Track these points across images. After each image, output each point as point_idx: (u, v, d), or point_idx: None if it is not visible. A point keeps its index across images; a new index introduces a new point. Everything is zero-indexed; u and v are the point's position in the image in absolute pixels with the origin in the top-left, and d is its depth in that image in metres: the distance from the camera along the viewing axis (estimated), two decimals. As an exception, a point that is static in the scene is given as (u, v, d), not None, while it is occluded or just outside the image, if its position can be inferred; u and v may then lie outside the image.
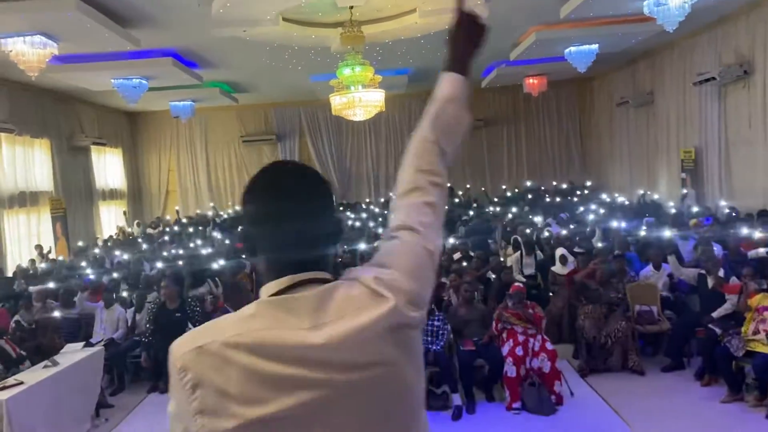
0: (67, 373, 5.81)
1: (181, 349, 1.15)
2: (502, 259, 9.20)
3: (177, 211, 18.25)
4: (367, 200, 18.52)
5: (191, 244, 13.34)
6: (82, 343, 6.62)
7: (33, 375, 5.60)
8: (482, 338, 6.09)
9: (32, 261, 12.12)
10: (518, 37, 12.00)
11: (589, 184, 17.82)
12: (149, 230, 16.86)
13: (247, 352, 1.10)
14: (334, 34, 9.26)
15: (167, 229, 16.35)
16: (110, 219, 16.90)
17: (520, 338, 5.84)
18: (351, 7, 8.06)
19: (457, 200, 16.91)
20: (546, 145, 19.19)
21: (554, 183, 18.35)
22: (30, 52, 8.14)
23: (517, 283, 6.50)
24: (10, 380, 5.37)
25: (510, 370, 5.70)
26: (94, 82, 11.90)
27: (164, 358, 5.04)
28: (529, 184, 18.42)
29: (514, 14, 9.72)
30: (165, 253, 11.83)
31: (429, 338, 6.00)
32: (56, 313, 7.00)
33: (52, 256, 12.84)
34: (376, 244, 9.93)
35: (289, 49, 11.31)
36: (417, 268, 1.28)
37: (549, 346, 5.85)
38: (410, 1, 8.25)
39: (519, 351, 5.76)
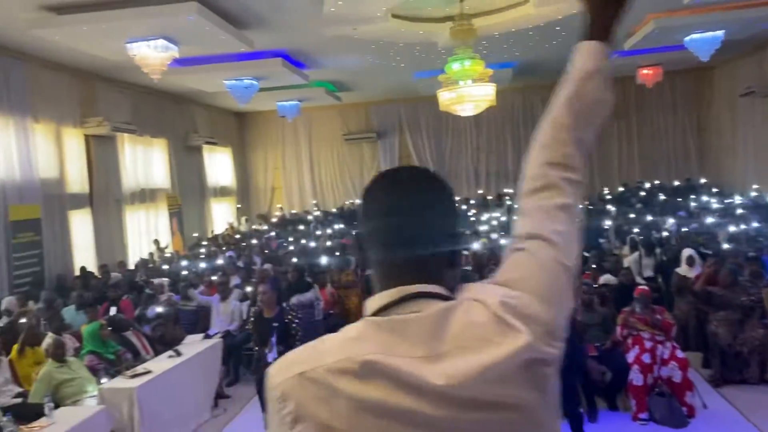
0: (190, 364, 6.02)
1: (280, 375, 1.01)
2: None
3: (281, 209, 18.75)
4: (467, 198, 18.22)
5: (296, 241, 13.66)
6: (201, 335, 6.86)
7: (159, 364, 5.84)
8: (604, 344, 5.75)
9: (150, 255, 12.83)
10: (634, 26, 11.38)
11: (703, 181, 16.69)
12: (255, 226, 17.46)
13: (355, 381, 0.95)
14: (442, 29, 9.13)
15: (271, 226, 16.86)
16: (220, 215, 17.59)
17: (647, 345, 5.47)
18: (461, 0, 7.89)
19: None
20: (660, 140, 18.16)
21: (669, 180, 17.34)
22: (153, 55, 8.54)
23: (641, 286, 6.10)
24: (139, 368, 5.63)
25: (636, 378, 5.35)
26: (208, 83, 12.38)
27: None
28: (641, 180, 17.49)
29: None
30: (267, 251, 12.15)
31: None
32: (178, 306, 7.29)
33: (168, 250, 13.53)
34: (475, 245, 9.73)
35: (394, 46, 11.30)
36: (552, 289, 1.07)
37: (680, 354, 5.44)
38: (523, -8, 7.99)
39: (646, 358, 5.39)
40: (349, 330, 1.03)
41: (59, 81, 10.87)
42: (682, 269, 7.45)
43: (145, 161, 13.61)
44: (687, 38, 11.03)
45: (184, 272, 10.19)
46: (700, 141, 18.10)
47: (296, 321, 5.55)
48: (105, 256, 11.71)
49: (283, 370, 1.01)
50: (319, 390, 0.97)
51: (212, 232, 16.28)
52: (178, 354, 6.07)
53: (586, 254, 8.98)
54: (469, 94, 7.89)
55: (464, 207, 16.28)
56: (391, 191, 1.11)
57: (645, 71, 14.60)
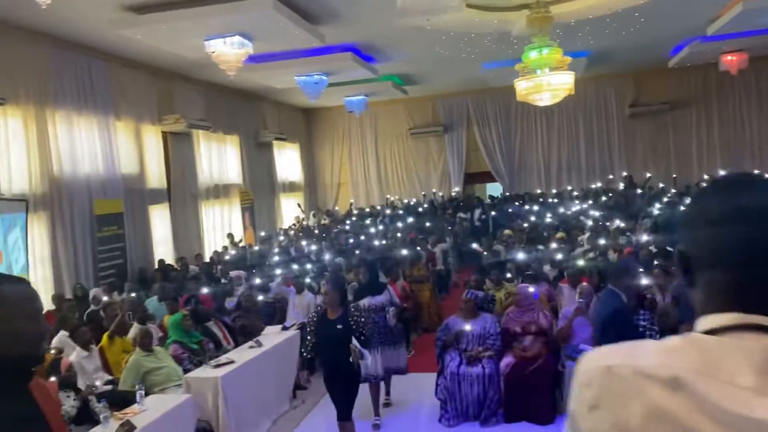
0: (271, 354, 6.10)
1: (590, 362, 0.97)
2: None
3: (351, 204, 18.82)
4: (538, 191, 17.81)
5: (364, 236, 13.70)
6: (280, 326, 6.94)
7: (241, 354, 5.94)
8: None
9: (225, 248, 13.11)
10: (718, 11, 10.82)
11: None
12: (323, 221, 17.61)
13: (661, 388, 0.88)
14: (516, 18, 8.92)
15: (341, 220, 16.97)
16: (289, 210, 17.85)
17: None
18: (538, -13, 7.69)
19: (639, 191, 15.73)
20: (743, 130, 17.23)
21: (755, 171, 16.44)
22: (229, 52, 8.70)
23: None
24: (222, 358, 5.73)
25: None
26: (278, 79, 12.55)
27: (332, 374, 5.21)
28: (722, 172, 16.66)
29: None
30: (339, 244, 12.22)
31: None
32: (259, 297, 7.40)
33: (241, 244, 13.80)
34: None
35: (465, 37, 11.14)
36: None
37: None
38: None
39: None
40: (672, 340, 0.95)
41: (138, 79, 11.24)
42: None
43: (218, 157, 13.94)
44: (778, 20, 10.41)
45: (260, 265, 10.36)
46: (787, 130, 17.09)
47: (362, 324, 5.12)
48: (182, 250, 12.07)
49: (595, 359, 0.98)
50: (622, 386, 0.92)
51: (281, 226, 16.53)
52: (259, 345, 6.15)
53: (669, 249, 8.62)
54: (547, 83, 7.66)
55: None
56: (747, 196, 0.94)
57: (729, 57, 13.89)
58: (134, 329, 6.37)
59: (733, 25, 10.80)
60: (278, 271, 9.30)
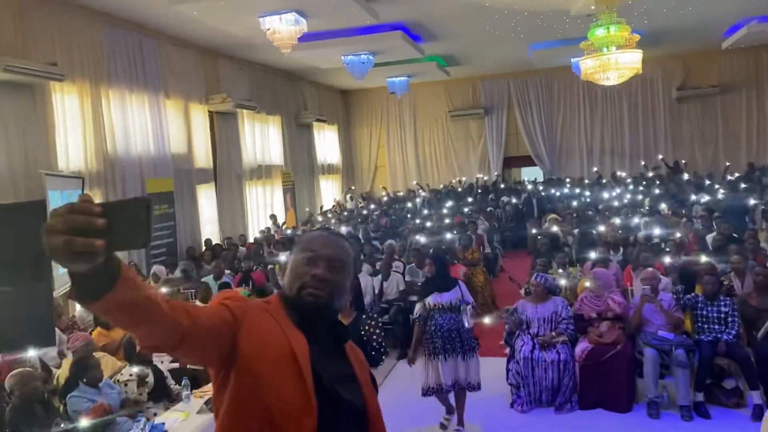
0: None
1: None
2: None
3: (384, 188, 18.69)
4: (579, 177, 17.46)
5: (402, 219, 13.58)
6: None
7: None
8: (784, 330, 5.26)
9: (267, 229, 13.08)
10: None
11: None
12: (361, 204, 17.51)
13: None
14: (578, -6, 8.64)
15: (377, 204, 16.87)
16: (328, 192, 17.78)
17: (840, 333, 4.94)
18: (606, -38, 7.41)
19: (686, 177, 15.34)
20: (796, 115, 16.69)
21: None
22: (284, 29, 8.58)
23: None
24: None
25: (827, 369, 4.85)
26: (324, 59, 12.41)
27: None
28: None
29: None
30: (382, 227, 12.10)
31: (717, 326, 5.32)
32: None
33: (284, 226, 13.77)
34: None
35: (518, 15, 10.89)
36: None
37: None
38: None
39: (840, 348, 4.87)
40: None
41: (187, 58, 11.19)
42: None
43: (261, 138, 13.87)
44: None
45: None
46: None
47: (376, 336, 4.72)
48: (227, 230, 12.07)
49: None
50: None
51: (321, 208, 16.47)
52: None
53: (735, 235, 8.36)
54: (615, 61, 7.40)
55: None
56: None
57: (787, 38, 13.39)
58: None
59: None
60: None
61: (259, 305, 1.64)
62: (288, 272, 1.72)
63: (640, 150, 17.66)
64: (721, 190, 12.78)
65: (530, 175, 18.66)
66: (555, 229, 9.22)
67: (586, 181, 16.49)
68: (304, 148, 16.35)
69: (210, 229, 11.63)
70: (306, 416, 1.49)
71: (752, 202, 10.50)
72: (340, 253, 1.71)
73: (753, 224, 9.79)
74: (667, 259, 6.62)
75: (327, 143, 17.93)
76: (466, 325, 5.10)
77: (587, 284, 5.66)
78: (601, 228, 9.17)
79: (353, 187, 18.92)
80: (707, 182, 14.39)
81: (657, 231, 8.89)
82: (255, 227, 13.17)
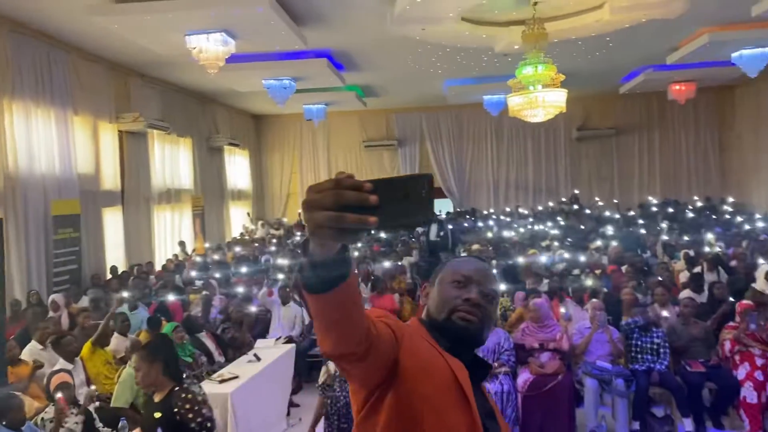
0: (271, 369, 5.71)
1: None
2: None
3: (299, 214, 18.40)
4: (487, 210, 18.01)
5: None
6: (273, 339, 6.55)
7: (242, 369, 5.52)
8: (709, 360, 5.55)
9: (176, 256, 12.44)
10: (680, 40, 11.30)
11: (731, 200, 16.63)
12: (273, 231, 17.12)
13: None
14: (503, 33, 8.96)
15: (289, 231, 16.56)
16: (237, 219, 17.24)
17: (758, 362, 5.27)
18: (535, 4, 7.73)
19: (588, 212, 16.20)
20: (681, 157, 18.15)
21: (690, 198, 17.29)
22: (211, 49, 8.27)
23: (745, 301, 5.90)
24: (226, 373, 5.31)
25: (750, 395, 5.14)
26: (245, 82, 12.10)
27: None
28: (661, 198, 17.42)
29: (693, 12, 9.00)
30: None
31: (650, 356, 5.53)
32: (251, 309, 6.96)
33: (194, 254, 13.15)
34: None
35: (439, 51, 11.13)
36: None
37: (795, 372, 5.25)
38: (595, -2, 7.84)
39: (759, 376, 5.19)
40: None
41: (97, 73, 10.56)
42: (760, 284, 7.27)
43: (172, 160, 13.26)
44: (735, 54, 10.96)
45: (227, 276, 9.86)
46: (721, 160, 18.09)
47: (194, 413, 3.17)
48: (134, 256, 11.36)
49: None
50: None
51: (230, 236, 15.92)
52: (258, 359, 5.76)
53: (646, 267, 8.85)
54: (542, 99, 7.69)
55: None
56: None
57: (677, 87, 14.56)
58: (121, 339, 5.84)
59: (694, 55, 11.28)
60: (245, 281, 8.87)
61: (410, 327, 1.53)
62: (434, 296, 1.61)
63: (543, 185, 18.51)
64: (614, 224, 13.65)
65: (442, 207, 18.96)
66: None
67: (494, 215, 17.01)
68: (215, 173, 15.81)
69: (116, 255, 10.88)
70: None
71: (650, 236, 11.20)
72: (492, 282, 1.62)
73: (648, 255, 10.40)
74: (590, 290, 6.79)
75: (238, 168, 17.44)
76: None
77: (531, 315, 5.72)
78: (521, 260, 9.41)
79: (249, 212, 18.38)
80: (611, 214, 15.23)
81: (575, 261, 9.27)
82: (162, 254, 12.49)
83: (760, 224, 12.86)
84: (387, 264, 10.01)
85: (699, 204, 16.80)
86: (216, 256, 12.00)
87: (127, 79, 11.60)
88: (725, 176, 18.04)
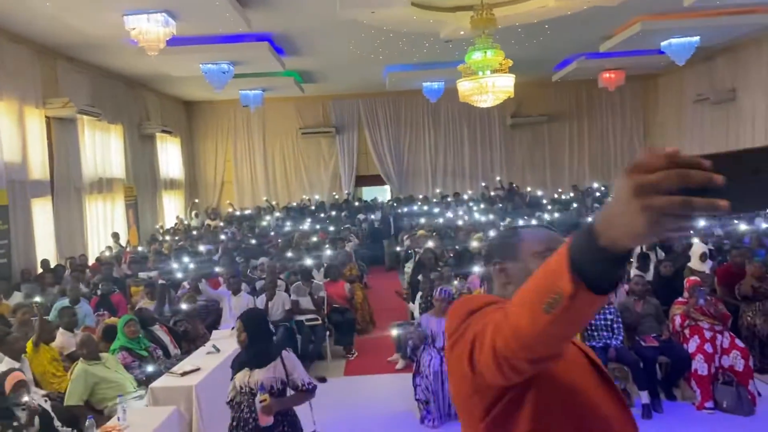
0: (229, 360, 5.55)
1: None
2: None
3: (230, 204, 18.00)
4: (422, 195, 18.19)
5: (258, 236, 13.13)
6: (228, 330, 6.37)
7: (203, 361, 5.34)
8: (661, 334, 5.79)
9: (109, 248, 11.92)
10: (614, 29, 11.69)
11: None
12: (208, 221, 16.69)
13: None
14: (450, 19, 9.00)
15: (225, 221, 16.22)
16: (170, 208, 16.68)
17: (707, 335, 5.54)
18: (483, -11, 7.80)
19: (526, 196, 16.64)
20: (609, 143, 18.87)
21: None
22: (152, 30, 7.91)
23: (693, 278, 6.18)
24: (187, 365, 5.12)
25: (701, 367, 5.41)
26: (181, 66, 11.67)
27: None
28: (593, 183, 18.08)
29: (629, 1, 9.29)
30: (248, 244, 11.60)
31: (606, 333, 5.71)
32: (198, 300, 6.73)
33: (126, 245, 12.65)
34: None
35: (382, 36, 11.06)
36: None
37: (739, 343, 5.55)
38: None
39: (708, 348, 5.46)
40: None
41: (22, 56, 9.90)
42: (695, 264, 7.66)
43: (103, 148, 12.65)
44: (665, 42, 11.44)
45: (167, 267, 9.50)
46: (646, 145, 18.88)
47: None
48: (65, 249, 10.79)
49: None
50: None
51: (162, 227, 15.39)
52: (217, 350, 5.60)
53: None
54: (492, 84, 7.77)
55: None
56: None
57: (608, 75, 15.08)
58: (68, 335, 5.52)
59: (626, 44, 11.70)
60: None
61: None
62: (517, 272, 1.46)
63: (479, 171, 18.82)
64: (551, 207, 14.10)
65: (371, 194, 18.94)
66: (430, 244, 9.42)
67: (435, 200, 17.19)
68: (147, 161, 15.21)
69: (46, 248, 10.30)
70: (630, 427, 1.34)
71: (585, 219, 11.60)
72: None
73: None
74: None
75: (170, 156, 16.84)
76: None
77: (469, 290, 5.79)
78: (474, 243, 9.53)
79: (197, 201, 17.97)
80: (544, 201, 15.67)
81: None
82: (95, 246, 11.93)
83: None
84: (330, 252, 9.91)
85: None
86: (152, 247, 11.56)
87: (55, 63, 10.95)
88: (650, 161, 18.83)
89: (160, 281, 7.49)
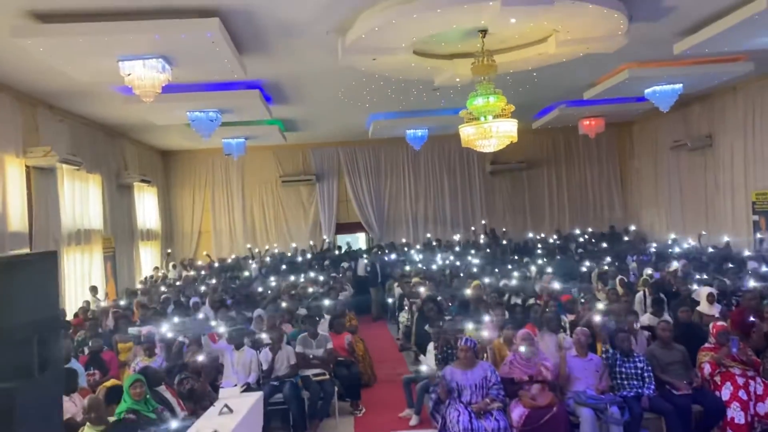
0: (246, 420, 5.18)
1: None
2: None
3: (207, 255, 17.54)
4: (404, 240, 18.05)
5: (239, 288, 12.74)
6: (238, 388, 5.99)
7: (216, 423, 4.96)
8: (690, 381, 5.63)
9: (87, 303, 11.38)
10: (599, 77, 11.90)
11: (633, 228, 17.65)
12: (185, 273, 16.17)
13: None
14: (448, 66, 9.02)
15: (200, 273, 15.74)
16: (147, 260, 16.14)
17: (740, 381, 5.40)
18: (482, 37, 7.81)
19: (504, 242, 16.61)
20: (587, 189, 19.11)
21: (596, 227, 18.25)
22: (148, 76, 7.69)
23: (719, 323, 6.07)
24: (203, 429, 4.73)
25: (737, 416, 5.25)
26: (166, 115, 11.40)
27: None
28: (575, 229, 18.20)
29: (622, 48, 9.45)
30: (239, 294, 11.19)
31: (636, 382, 5.53)
32: (200, 357, 6.33)
33: (102, 300, 12.10)
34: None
35: (373, 83, 11.03)
36: None
37: (773, 389, 5.42)
38: (540, 31, 8.04)
39: (743, 395, 5.31)
40: None
41: (3, 103, 9.56)
42: (703, 307, 7.58)
43: (82, 198, 12.22)
44: (649, 90, 11.67)
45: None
46: (623, 191, 19.19)
47: None
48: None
49: None
50: None
51: (154, 276, 14.87)
52: (230, 410, 5.21)
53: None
54: (496, 129, 7.74)
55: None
56: None
57: (588, 122, 15.32)
58: (66, 400, 5.08)
59: (610, 91, 11.90)
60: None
61: None
62: None
63: (460, 218, 18.80)
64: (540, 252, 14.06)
65: (344, 242, 18.67)
66: (423, 290, 9.19)
67: (418, 247, 17.03)
68: (125, 212, 14.76)
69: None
70: None
71: (587, 264, 11.56)
72: None
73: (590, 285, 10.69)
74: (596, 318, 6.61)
75: (147, 207, 16.39)
76: None
77: (522, 349, 5.56)
78: (468, 291, 9.34)
79: (170, 251, 17.44)
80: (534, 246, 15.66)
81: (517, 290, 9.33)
82: (73, 301, 11.36)
83: (677, 249, 13.64)
84: (328, 302, 9.59)
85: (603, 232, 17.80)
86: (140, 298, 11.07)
87: (35, 110, 10.60)
88: (627, 206, 19.13)
89: (168, 335, 7.05)
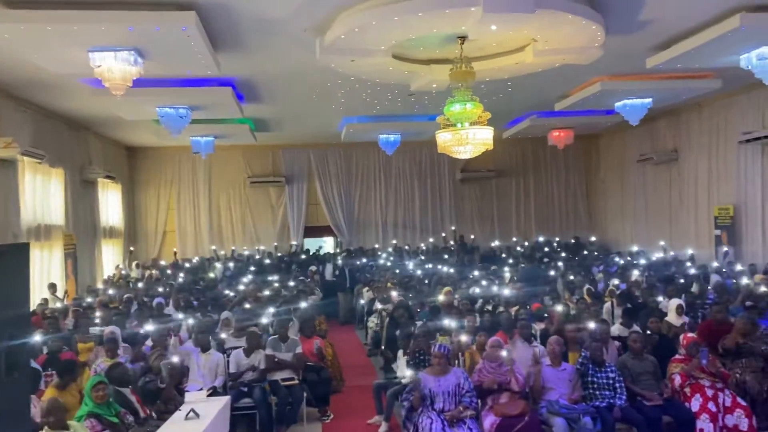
0: (213, 426, 5.03)
1: None
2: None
3: (174, 253, 17.23)
4: (377, 246, 17.97)
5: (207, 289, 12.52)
6: (204, 392, 5.82)
7: (182, 428, 4.80)
8: (660, 392, 5.67)
9: (45, 300, 11.03)
10: (571, 89, 12.03)
11: (593, 239, 17.92)
12: (148, 272, 15.80)
13: None
14: (425, 71, 8.99)
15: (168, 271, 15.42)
16: (109, 259, 15.72)
17: (709, 393, 5.46)
18: (461, 43, 7.81)
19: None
20: (553, 199, 19.32)
21: (562, 237, 18.48)
22: (119, 68, 7.47)
23: (690, 335, 6.12)
24: (170, 434, 4.58)
25: (707, 427, 5.29)
26: (135, 109, 11.11)
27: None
28: (540, 238, 18.40)
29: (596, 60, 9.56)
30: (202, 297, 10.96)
31: (608, 392, 5.54)
32: (174, 358, 6.13)
33: (62, 297, 11.74)
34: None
35: (348, 86, 10.95)
36: None
37: (741, 401, 5.48)
38: (518, 40, 8.07)
39: (712, 407, 5.37)
40: None
41: (-37, 91, 9.20)
42: (671, 318, 7.68)
43: (43, 193, 11.83)
44: (619, 103, 11.84)
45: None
46: (588, 202, 19.47)
47: None
48: (-1, 301, 9.83)
49: None
50: None
51: (116, 275, 14.50)
52: (197, 415, 5.05)
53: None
54: (473, 136, 7.72)
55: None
56: None
57: (557, 133, 15.49)
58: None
59: (581, 103, 12.04)
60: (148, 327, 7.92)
61: None
62: None
63: (429, 224, 18.81)
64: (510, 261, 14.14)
65: (314, 245, 18.51)
66: (394, 294, 9.12)
67: (389, 250, 17.00)
68: (88, 208, 14.35)
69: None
70: None
71: (551, 273, 11.65)
72: None
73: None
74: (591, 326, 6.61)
75: (110, 204, 15.98)
76: None
77: (503, 353, 5.52)
78: (440, 297, 9.31)
79: (132, 249, 17.04)
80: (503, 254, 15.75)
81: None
82: (31, 298, 10.95)
83: (642, 260, 13.86)
84: (297, 305, 9.44)
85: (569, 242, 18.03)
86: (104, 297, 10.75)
87: (-3, 100, 10.25)
88: (592, 218, 19.40)
89: (133, 332, 6.82)
